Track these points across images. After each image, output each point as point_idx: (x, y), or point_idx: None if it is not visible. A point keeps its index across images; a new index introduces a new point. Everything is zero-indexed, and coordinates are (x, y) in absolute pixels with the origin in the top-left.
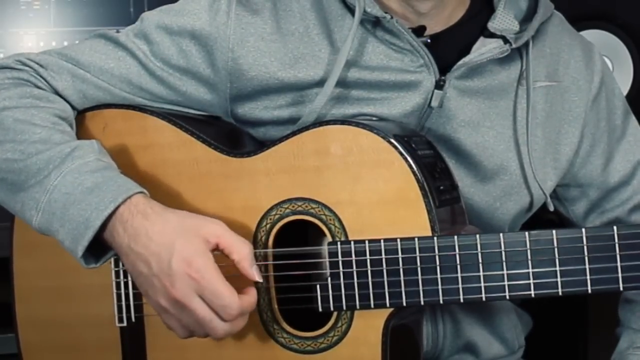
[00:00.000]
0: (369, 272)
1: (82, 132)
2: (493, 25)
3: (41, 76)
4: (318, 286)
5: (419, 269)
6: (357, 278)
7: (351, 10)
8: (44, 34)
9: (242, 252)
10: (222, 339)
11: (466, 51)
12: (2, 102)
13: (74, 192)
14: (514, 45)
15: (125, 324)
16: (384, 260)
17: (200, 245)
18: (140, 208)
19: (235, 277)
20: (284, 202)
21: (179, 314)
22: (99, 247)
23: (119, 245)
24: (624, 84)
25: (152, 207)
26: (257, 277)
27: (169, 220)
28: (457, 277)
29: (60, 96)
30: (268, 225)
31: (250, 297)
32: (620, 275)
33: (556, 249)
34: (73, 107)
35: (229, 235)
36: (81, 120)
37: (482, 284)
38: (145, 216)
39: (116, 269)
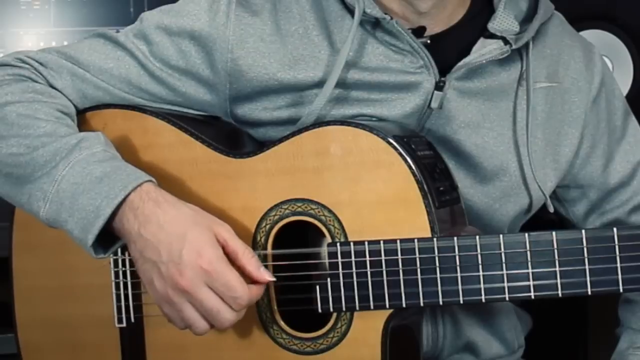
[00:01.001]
0: (369, 273)
1: (82, 131)
2: (493, 26)
3: (41, 74)
4: (317, 287)
5: (418, 270)
6: (357, 279)
7: (351, 11)
8: (44, 34)
9: (246, 256)
10: (224, 338)
11: (466, 52)
12: (5, 97)
13: (83, 182)
14: (514, 46)
15: (124, 324)
16: (383, 261)
17: (212, 238)
18: (152, 195)
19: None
20: (283, 202)
21: (181, 305)
22: (108, 237)
23: (128, 232)
24: (624, 84)
25: (164, 196)
26: (269, 277)
27: (181, 211)
28: (457, 278)
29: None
30: (268, 226)
31: (258, 287)
32: (620, 276)
33: (556, 251)
34: (73, 106)
35: (236, 240)
36: (81, 120)
37: (482, 285)
38: (157, 204)
39: (115, 269)
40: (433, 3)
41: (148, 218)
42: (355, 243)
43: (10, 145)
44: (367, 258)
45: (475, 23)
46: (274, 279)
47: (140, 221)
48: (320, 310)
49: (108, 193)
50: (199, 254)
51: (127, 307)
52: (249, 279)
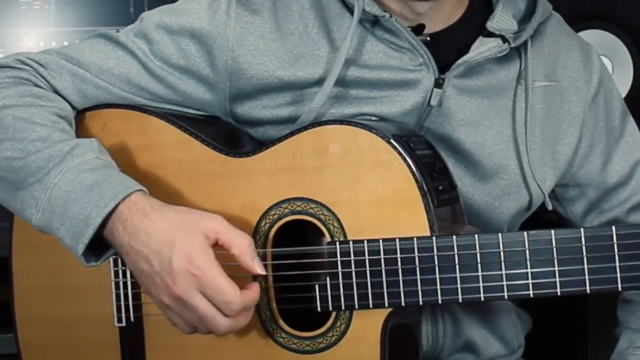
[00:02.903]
0: (368, 272)
1: (81, 131)
2: (492, 24)
3: (41, 75)
4: (317, 286)
5: (417, 269)
6: (356, 278)
7: (350, 10)
8: (44, 34)
9: (242, 245)
10: (223, 337)
11: (465, 50)
12: (2, 100)
13: (74, 190)
14: (512, 45)
15: (124, 324)
16: (382, 260)
17: (201, 241)
18: (139, 206)
19: (237, 276)
20: (282, 202)
21: (181, 311)
22: (99, 245)
23: (120, 244)
24: (624, 84)
25: (151, 204)
26: (259, 270)
27: (168, 218)
28: (456, 277)
29: (60, 95)
30: (267, 225)
31: (253, 292)
32: (618, 275)
33: (555, 249)
34: (73, 107)
35: (228, 229)
36: (80, 120)
37: (481, 284)
38: (144, 214)
39: (115, 268)
40: (430, 5)
41: (137, 229)
42: (355, 242)
43: (5, 149)
44: (367, 257)
45: (474, 22)
46: (264, 273)
47: (130, 232)
48: (319, 309)
49: (98, 202)
50: (188, 260)
51: (126, 306)
52: (243, 284)
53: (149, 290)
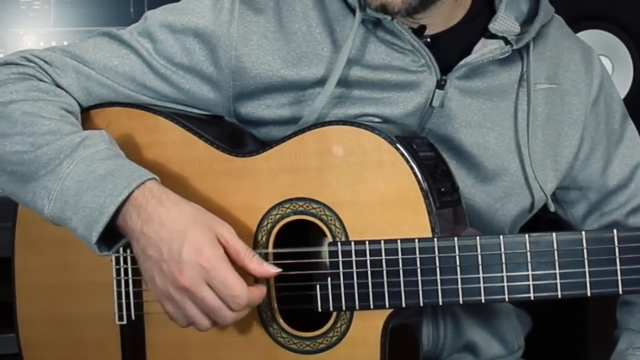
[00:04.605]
0: (369, 272)
1: (85, 129)
2: (494, 26)
3: (46, 72)
4: (318, 286)
5: (418, 270)
6: (357, 278)
7: (353, 11)
8: (44, 33)
9: (249, 255)
10: (224, 336)
11: (467, 52)
12: (9, 95)
13: (87, 180)
14: (515, 46)
15: (125, 321)
16: (384, 261)
17: (212, 237)
18: (155, 194)
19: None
20: (285, 202)
21: (182, 302)
22: (111, 234)
23: (131, 230)
24: (624, 85)
25: (168, 194)
26: (274, 270)
27: (184, 209)
28: (457, 278)
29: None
30: (269, 225)
31: (259, 290)
32: (619, 278)
33: (556, 252)
34: (78, 104)
35: (237, 241)
36: (85, 118)
37: (482, 286)
38: (160, 202)
39: (117, 266)
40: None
41: (150, 216)
42: (356, 242)
43: (15, 143)
44: (368, 257)
45: (476, 24)
46: (280, 270)
47: (143, 219)
48: (320, 310)
49: (112, 191)
50: (198, 252)
51: (127, 304)
52: (250, 281)
53: (152, 279)
